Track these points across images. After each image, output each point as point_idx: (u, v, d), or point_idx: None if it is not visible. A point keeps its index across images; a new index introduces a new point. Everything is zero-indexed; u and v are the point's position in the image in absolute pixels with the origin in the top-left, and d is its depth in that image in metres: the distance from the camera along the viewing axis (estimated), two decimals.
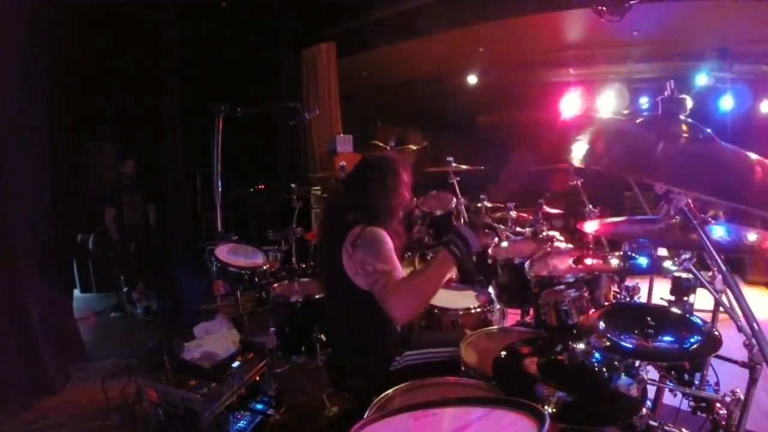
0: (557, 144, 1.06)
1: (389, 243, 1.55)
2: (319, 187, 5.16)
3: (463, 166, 3.30)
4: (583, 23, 5.03)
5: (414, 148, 3.52)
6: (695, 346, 1.21)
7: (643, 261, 1.63)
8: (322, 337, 2.41)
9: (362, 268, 1.51)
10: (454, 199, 3.11)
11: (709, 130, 0.97)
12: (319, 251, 1.87)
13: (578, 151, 0.98)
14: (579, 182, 2.89)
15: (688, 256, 1.17)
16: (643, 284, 1.97)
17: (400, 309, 1.41)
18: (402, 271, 1.51)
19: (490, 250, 2.60)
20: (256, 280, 2.72)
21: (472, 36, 5.59)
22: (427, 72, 6.99)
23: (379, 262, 1.48)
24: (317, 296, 2.45)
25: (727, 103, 5.46)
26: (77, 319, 3.53)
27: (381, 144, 3.55)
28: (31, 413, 2.58)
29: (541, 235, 2.87)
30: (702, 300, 1.58)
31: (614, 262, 1.81)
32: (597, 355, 1.29)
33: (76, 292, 4.75)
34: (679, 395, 1.38)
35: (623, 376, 1.20)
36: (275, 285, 2.69)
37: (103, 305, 4.57)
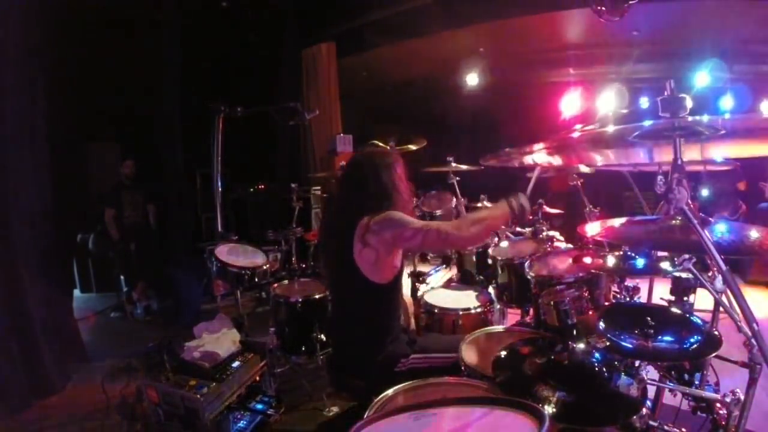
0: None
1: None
2: (319, 187, 5.16)
3: (463, 166, 3.30)
4: (583, 23, 5.03)
5: (414, 148, 3.52)
6: (695, 346, 1.21)
7: (642, 261, 1.63)
8: (322, 337, 2.41)
9: (396, 242, 1.55)
10: (454, 199, 3.11)
11: None
12: (323, 251, 1.88)
13: None
14: (579, 182, 2.89)
15: (687, 256, 1.17)
16: (643, 284, 1.97)
17: (468, 239, 1.63)
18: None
19: (490, 250, 2.60)
20: (256, 280, 2.72)
21: (472, 36, 5.59)
22: (427, 72, 6.99)
23: (411, 224, 1.54)
24: (317, 296, 2.45)
25: (727, 103, 5.46)
26: (77, 319, 3.53)
27: (381, 144, 3.55)
28: (31, 413, 2.58)
29: (541, 235, 2.88)
30: (702, 300, 1.58)
31: (614, 262, 1.81)
32: (597, 355, 1.29)
33: (76, 292, 4.74)
34: (679, 395, 1.38)
35: (623, 376, 1.20)
36: (275, 285, 2.70)
37: (103, 305, 4.57)
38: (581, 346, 1.31)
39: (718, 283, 1.13)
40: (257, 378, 2.27)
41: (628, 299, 1.90)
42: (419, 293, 2.48)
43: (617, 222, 1.40)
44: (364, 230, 1.56)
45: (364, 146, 3.67)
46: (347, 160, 1.91)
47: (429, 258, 3.44)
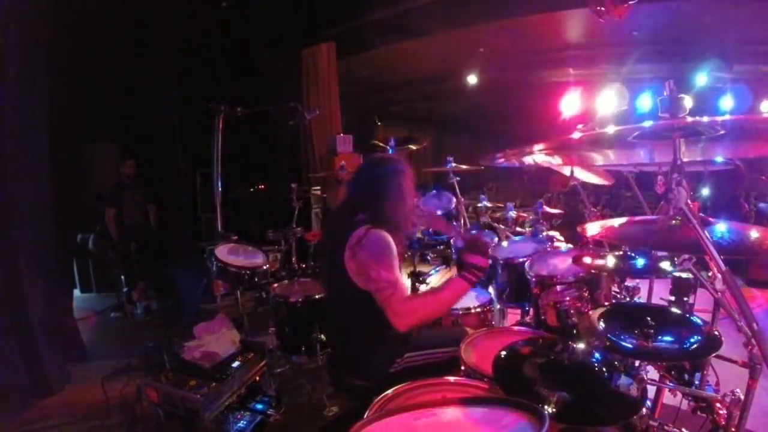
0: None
1: (394, 249, 1.56)
2: (319, 187, 5.16)
3: (463, 166, 3.30)
4: (583, 23, 5.03)
5: (414, 148, 3.52)
6: (695, 346, 1.21)
7: (642, 261, 1.63)
8: (322, 337, 2.41)
9: (365, 271, 1.52)
10: (454, 199, 3.12)
11: None
12: (321, 250, 1.88)
13: None
14: (579, 182, 2.89)
15: (687, 256, 1.17)
16: (643, 284, 1.97)
17: (404, 324, 1.50)
18: (403, 282, 1.55)
19: (490, 250, 2.60)
20: (256, 280, 2.72)
21: (472, 36, 5.60)
22: (427, 72, 7.00)
23: (384, 269, 1.50)
24: (317, 296, 2.45)
25: (727, 103, 5.46)
26: (77, 319, 3.53)
27: (381, 144, 3.55)
28: (31, 413, 2.58)
29: (541, 235, 2.88)
30: (702, 300, 1.58)
31: (614, 262, 1.81)
32: (597, 355, 1.29)
33: (76, 292, 4.74)
34: (679, 395, 1.38)
35: (623, 376, 1.20)
36: (275, 285, 2.70)
37: (103, 305, 4.57)
38: (581, 346, 1.31)
39: (718, 283, 1.13)
40: (257, 378, 2.27)
41: (628, 299, 1.90)
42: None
43: (617, 222, 1.40)
44: (358, 240, 1.55)
45: (366, 145, 3.69)
46: (358, 162, 1.90)
47: (429, 258, 3.45)
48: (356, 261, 1.55)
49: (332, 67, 5.72)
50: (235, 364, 2.16)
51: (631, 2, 3.39)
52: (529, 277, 2.07)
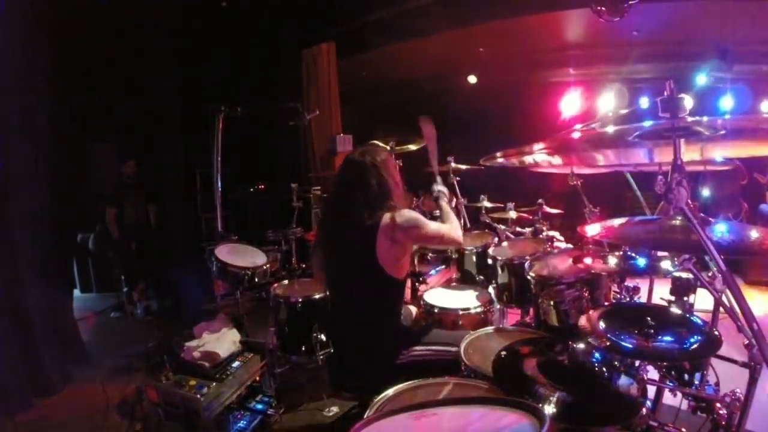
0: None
1: None
2: (319, 187, 5.16)
3: (463, 166, 3.30)
4: (583, 23, 5.03)
5: (414, 148, 3.52)
6: (695, 346, 1.21)
7: (642, 261, 1.63)
8: (322, 337, 2.41)
9: (422, 238, 1.74)
10: (454, 199, 3.11)
11: None
12: (325, 251, 1.88)
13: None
14: (579, 182, 2.89)
15: (687, 256, 1.17)
16: (643, 284, 1.97)
17: (460, 238, 1.82)
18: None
19: (490, 250, 2.60)
20: (256, 280, 2.72)
21: (472, 36, 5.59)
22: (427, 72, 6.98)
23: (427, 226, 1.69)
24: (317, 296, 2.45)
25: (727, 103, 5.45)
26: (77, 319, 3.53)
27: (381, 144, 3.55)
28: (31, 413, 2.58)
29: (541, 235, 2.88)
30: (702, 300, 1.58)
31: (614, 262, 1.81)
32: (597, 355, 1.29)
33: (76, 292, 4.74)
34: (679, 395, 1.38)
35: (623, 376, 1.20)
36: (275, 285, 2.69)
37: (103, 305, 4.57)
38: (581, 346, 1.31)
39: (718, 283, 1.13)
40: (257, 378, 2.27)
41: (628, 299, 1.90)
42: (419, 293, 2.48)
43: (617, 222, 1.40)
44: (392, 228, 1.62)
45: (363, 146, 3.69)
46: (341, 162, 1.94)
47: (429, 258, 3.45)
48: (402, 242, 1.65)
49: (332, 67, 5.71)
50: (235, 364, 2.16)
51: (631, 2, 3.39)
52: (529, 277, 2.07)
